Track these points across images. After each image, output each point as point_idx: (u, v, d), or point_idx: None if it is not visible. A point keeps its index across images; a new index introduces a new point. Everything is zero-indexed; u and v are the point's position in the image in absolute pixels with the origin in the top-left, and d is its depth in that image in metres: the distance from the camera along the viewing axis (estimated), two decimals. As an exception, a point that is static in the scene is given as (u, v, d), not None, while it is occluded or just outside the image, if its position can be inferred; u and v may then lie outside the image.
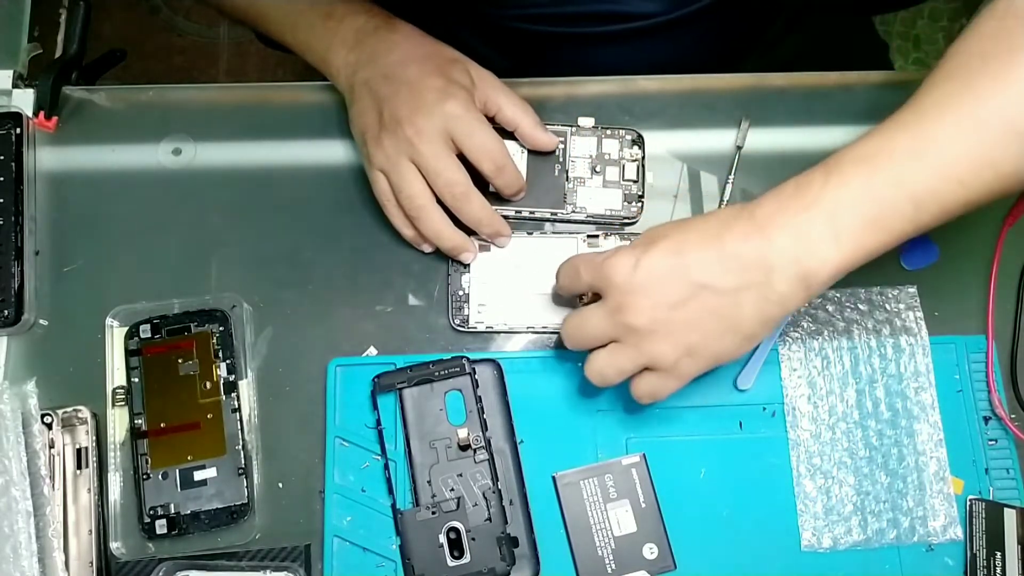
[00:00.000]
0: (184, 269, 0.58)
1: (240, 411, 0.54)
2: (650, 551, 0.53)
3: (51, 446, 0.53)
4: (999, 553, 0.53)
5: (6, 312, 0.55)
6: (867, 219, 0.43)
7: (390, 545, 0.52)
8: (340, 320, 0.57)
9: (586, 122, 0.60)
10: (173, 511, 0.52)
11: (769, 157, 0.61)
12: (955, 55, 0.45)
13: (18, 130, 0.59)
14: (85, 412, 0.53)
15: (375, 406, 0.54)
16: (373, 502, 0.53)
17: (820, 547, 0.53)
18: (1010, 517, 0.53)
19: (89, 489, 0.53)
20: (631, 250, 0.47)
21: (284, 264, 0.59)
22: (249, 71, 1.51)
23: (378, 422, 0.54)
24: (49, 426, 0.53)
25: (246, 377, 0.55)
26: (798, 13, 0.73)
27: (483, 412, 0.54)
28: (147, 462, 0.53)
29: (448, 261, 0.58)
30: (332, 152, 0.61)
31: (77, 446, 0.53)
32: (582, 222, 0.59)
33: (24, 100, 0.61)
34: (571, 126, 0.60)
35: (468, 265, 0.57)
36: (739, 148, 0.61)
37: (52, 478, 0.52)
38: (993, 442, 0.55)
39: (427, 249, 0.57)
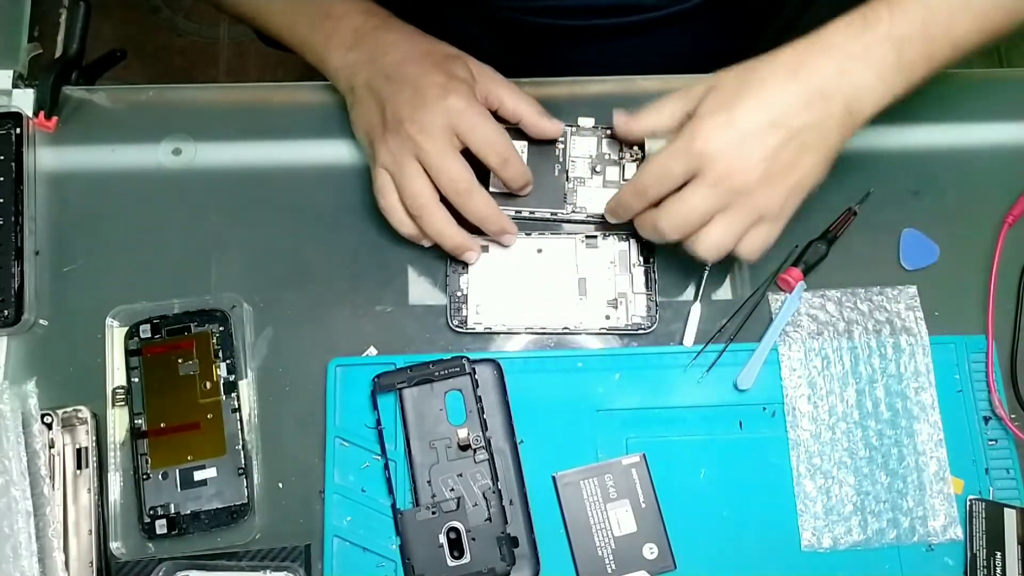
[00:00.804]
0: (184, 269, 0.58)
1: (240, 411, 0.54)
2: (650, 551, 0.53)
3: (51, 446, 0.53)
4: (999, 553, 0.53)
5: (6, 312, 0.55)
6: (923, 55, 0.49)
7: (390, 545, 0.52)
8: (340, 320, 0.57)
9: (586, 122, 0.60)
10: (173, 511, 0.52)
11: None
12: None
13: (18, 130, 0.59)
14: (85, 412, 0.53)
15: (375, 406, 0.54)
16: (373, 502, 0.53)
17: (820, 547, 0.53)
18: (1010, 517, 0.53)
19: (89, 489, 0.53)
20: (713, 117, 0.49)
21: (284, 264, 0.58)
22: (249, 71, 1.51)
23: (378, 422, 0.54)
24: (49, 426, 0.53)
25: (246, 377, 0.55)
26: (799, 11, 0.73)
27: (483, 412, 0.54)
28: (147, 462, 0.53)
29: (447, 262, 0.58)
30: (332, 152, 0.61)
31: (77, 446, 0.53)
32: (582, 222, 0.59)
33: (24, 100, 0.61)
34: (571, 126, 0.60)
35: (467, 266, 0.57)
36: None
37: (52, 478, 0.52)
38: (993, 442, 0.55)
39: (427, 243, 0.57)
